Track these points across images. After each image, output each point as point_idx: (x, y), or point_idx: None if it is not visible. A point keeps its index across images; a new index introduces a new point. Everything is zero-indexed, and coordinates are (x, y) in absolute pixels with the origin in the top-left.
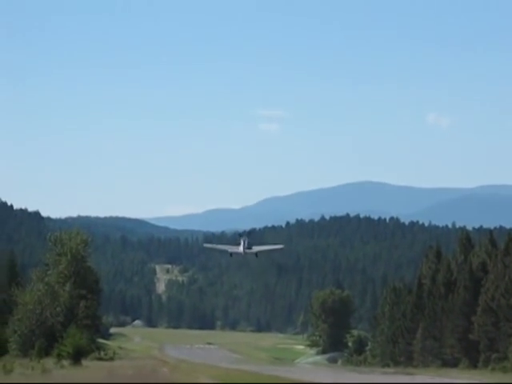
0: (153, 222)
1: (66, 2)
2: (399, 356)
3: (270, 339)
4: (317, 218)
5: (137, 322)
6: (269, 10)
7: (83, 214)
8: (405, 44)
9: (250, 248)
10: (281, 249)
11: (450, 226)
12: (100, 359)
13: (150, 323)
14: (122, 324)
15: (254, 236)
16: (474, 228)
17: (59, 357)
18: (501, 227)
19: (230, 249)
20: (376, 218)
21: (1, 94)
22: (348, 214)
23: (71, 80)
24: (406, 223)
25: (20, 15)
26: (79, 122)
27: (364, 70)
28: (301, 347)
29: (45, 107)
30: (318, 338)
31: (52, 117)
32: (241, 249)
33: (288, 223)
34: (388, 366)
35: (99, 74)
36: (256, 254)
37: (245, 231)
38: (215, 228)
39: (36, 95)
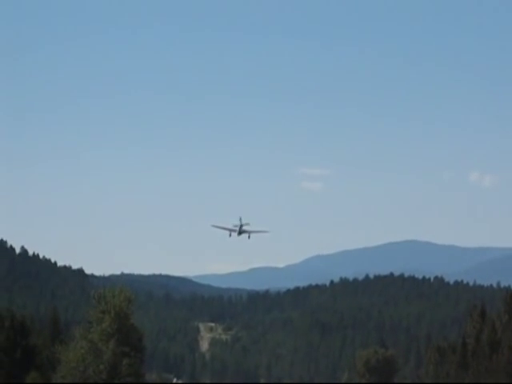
0: (196, 279)
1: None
2: None
3: None
4: (361, 277)
5: (175, 380)
6: (306, 68)
7: (126, 271)
8: (446, 100)
9: (242, 231)
10: (266, 232)
11: (494, 285)
12: None
13: (193, 381)
14: (165, 382)
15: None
16: None
17: None
18: None
19: (230, 231)
20: (420, 277)
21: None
22: (392, 273)
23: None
24: (451, 282)
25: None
26: (122, 180)
27: (405, 127)
28: None
29: (86, 166)
30: None
31: (93, 174)
32: (237, 231)
33: (332, 282)
34: None
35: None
36: (248, 235)
37: (241, 218)
38: (259, 286)
39: (83, 155)
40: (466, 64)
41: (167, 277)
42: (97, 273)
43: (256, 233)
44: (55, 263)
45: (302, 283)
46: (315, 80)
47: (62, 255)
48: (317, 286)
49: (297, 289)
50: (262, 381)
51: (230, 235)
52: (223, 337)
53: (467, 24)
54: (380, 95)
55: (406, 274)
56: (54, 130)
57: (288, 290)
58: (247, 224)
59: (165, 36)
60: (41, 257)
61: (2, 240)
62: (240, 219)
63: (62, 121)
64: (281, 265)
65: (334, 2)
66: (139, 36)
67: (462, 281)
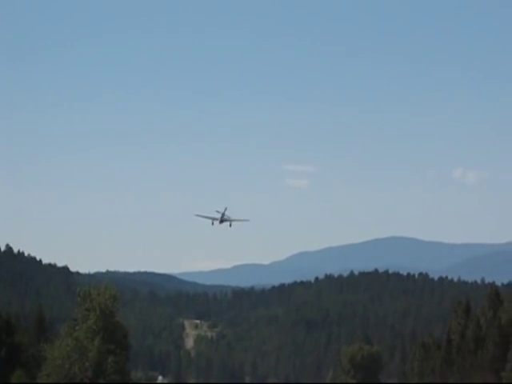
0: (181, 277)
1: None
2: None
3: None
4: (346, 274)
5: (160, 378)
6: (293, 66)
7: (112, 269)
8: (431, 98)
9: (224, 220)
10: (247, 221)
11: (478, 281)
12: None
13: (179, 379)
14: (151, 379)
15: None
16: (503, 284)
17: None
18: None
19: (212, 220)
20: (405, 273)
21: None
22: (377, 270)
23: (103, 139)
24: (435, 279)
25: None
26: (107, 178)
27: (390, 125)
28: None
29: (71, 165)
30: None
31: (78, 173)
32: (218, 220)
33: (317, 278)
34: None
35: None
36: (230, 224)
37: (226, 208)
38: (244, 283)
39: (64, 156)
40: (449, 62)
41: (152, 274)
42: (82, 270)
43: (237, 221)
44: (40, 261)
45: (287, 280)
46: (302, 78)
47: (47, 253)
48: (302, 282)
49: (282, 285)
50: (247, 379)
51: (213, 224)
52: (208, 334)
53: (453, 23)
54: (365, 93)
55: (391, 271)
56: (44, 130)
57: (273, 287)
58: (228, 216)
59: (159, 34)
60: (26, 255)
61: None
62: (225, 210)
63: (51, 120)
64: (266, 262)
65: (316, 2)
66: (138, 35)
67: (446, 277)
